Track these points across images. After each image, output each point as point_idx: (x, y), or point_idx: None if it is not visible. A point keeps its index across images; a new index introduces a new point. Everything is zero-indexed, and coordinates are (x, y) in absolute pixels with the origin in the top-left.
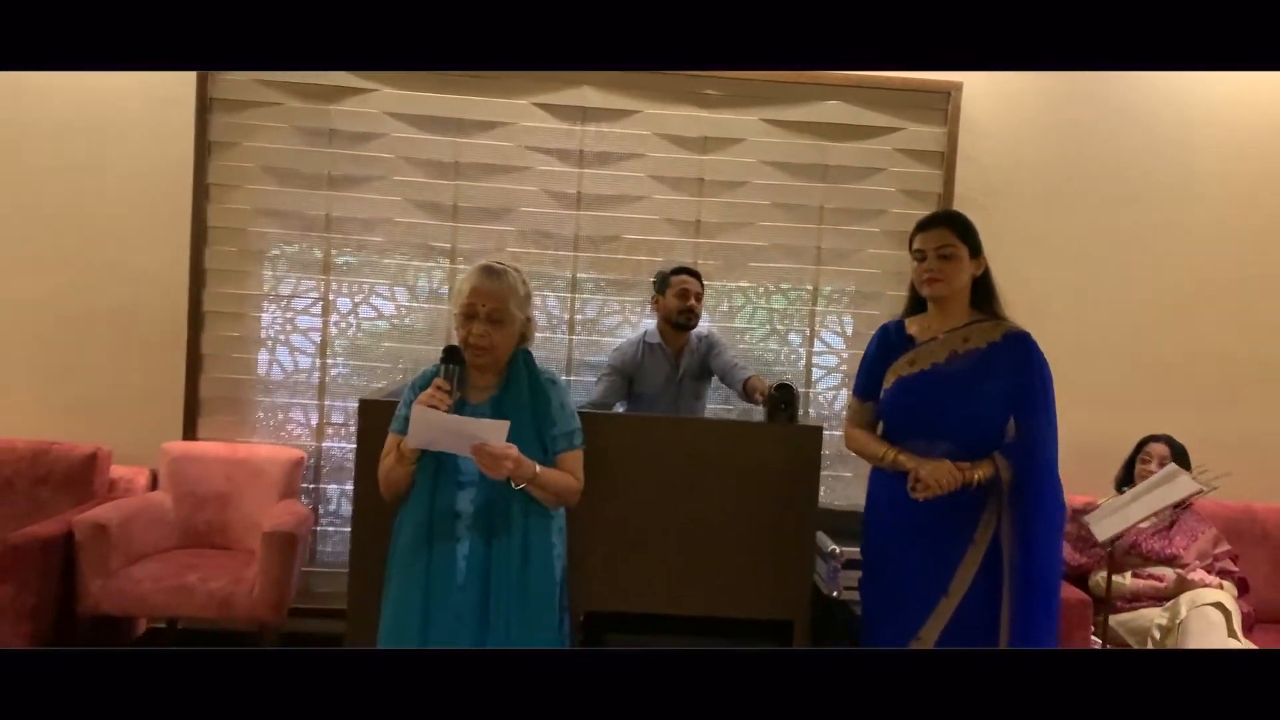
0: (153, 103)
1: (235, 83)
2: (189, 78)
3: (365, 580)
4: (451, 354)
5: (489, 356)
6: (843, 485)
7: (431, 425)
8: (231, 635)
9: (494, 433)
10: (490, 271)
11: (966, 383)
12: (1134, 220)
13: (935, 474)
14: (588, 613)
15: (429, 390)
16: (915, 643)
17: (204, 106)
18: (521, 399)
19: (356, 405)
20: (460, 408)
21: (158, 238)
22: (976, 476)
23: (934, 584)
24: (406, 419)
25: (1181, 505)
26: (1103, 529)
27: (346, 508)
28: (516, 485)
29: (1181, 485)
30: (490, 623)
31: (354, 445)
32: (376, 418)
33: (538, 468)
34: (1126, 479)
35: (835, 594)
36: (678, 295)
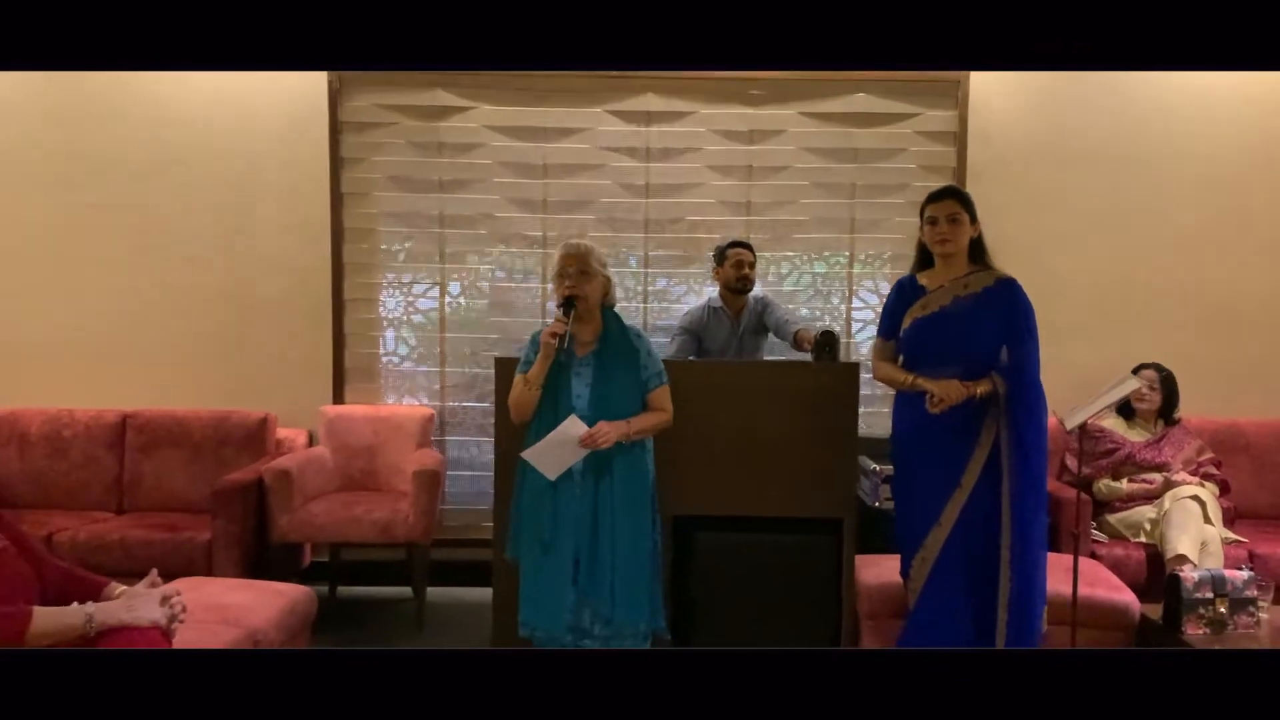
0: (295, 124)
1: (359, 107)
2: (322, 104)
3: (506, 498)
4: (568, 302)
5: (584, 304)
6: (879, 420)
7: (547, 460)
8: (389, 564)
9: (576, 428)
10: (571, 243)
11: (968, 319)
12: (1125, 178)
13: (947, 390)
14: (675, 515)
15: (552, 325)
16: (937, 528)
17: (335, 128)
18: (617, 350)
19: (479, 368)
20: (570, 358)
21: (305, 238)
22: (979, 391)
23: (950, 480)
24: (529, 362)
25: (1133, 401)
26: (1071, 420)
27: (468, 455)
28: (626, 441)
29: (1127, 385)
30: (599, 521)
31: (471, 403)
32: (505, 369)
33: (630, 423)
34: (1124, 403)
35: (877, 504)
36: (734, 265)
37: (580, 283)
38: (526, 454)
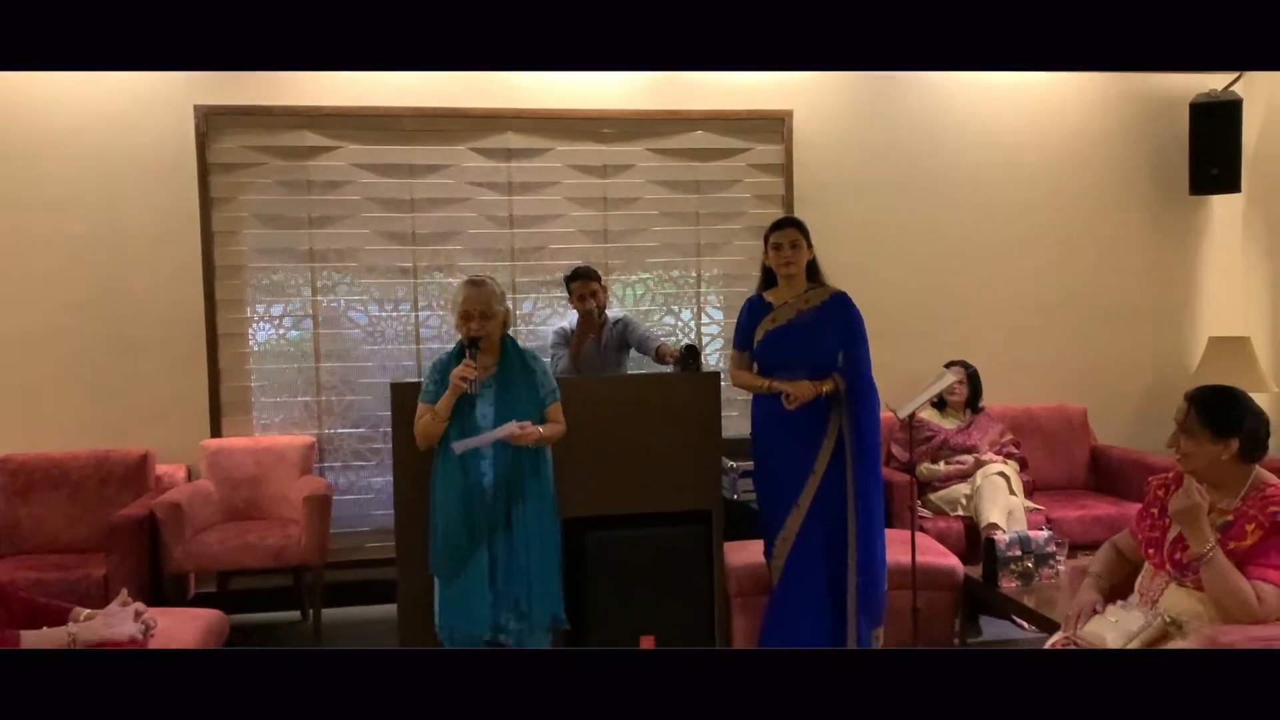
0: (164, 167)
1: (227, 149)
2: (190, 146)
3: (407, 515)
4: (472, 343)
5: (488, 341)
6: (731, 423)
7: (470, 445)
8: (276, 590)
9: (508, 430)
10: (475, 283)
11: (811, 329)
12: (934, 200)
13: (800, 390)
14: (566, 518)
15: (461, 369)
16: (796, 509)
17: (204, 170)
18: (516, 372)
19: (354, 395)
20: (473, 387)
21: (177, 277)
22: (825, 389)
23: (805, 467)
24: (433, 392)
25: (945, 394)
26: (902, 411)
27: (347, 480)
28: (531, 445)
29: (945, 379)
30: (513, 528)
31: (348, 430)
32: (402, 394)
33: (542, 430)
34: (937, 397)
35: (735, 496)
36: (577, 299)
37: (484, 324)
38: (458, 445)
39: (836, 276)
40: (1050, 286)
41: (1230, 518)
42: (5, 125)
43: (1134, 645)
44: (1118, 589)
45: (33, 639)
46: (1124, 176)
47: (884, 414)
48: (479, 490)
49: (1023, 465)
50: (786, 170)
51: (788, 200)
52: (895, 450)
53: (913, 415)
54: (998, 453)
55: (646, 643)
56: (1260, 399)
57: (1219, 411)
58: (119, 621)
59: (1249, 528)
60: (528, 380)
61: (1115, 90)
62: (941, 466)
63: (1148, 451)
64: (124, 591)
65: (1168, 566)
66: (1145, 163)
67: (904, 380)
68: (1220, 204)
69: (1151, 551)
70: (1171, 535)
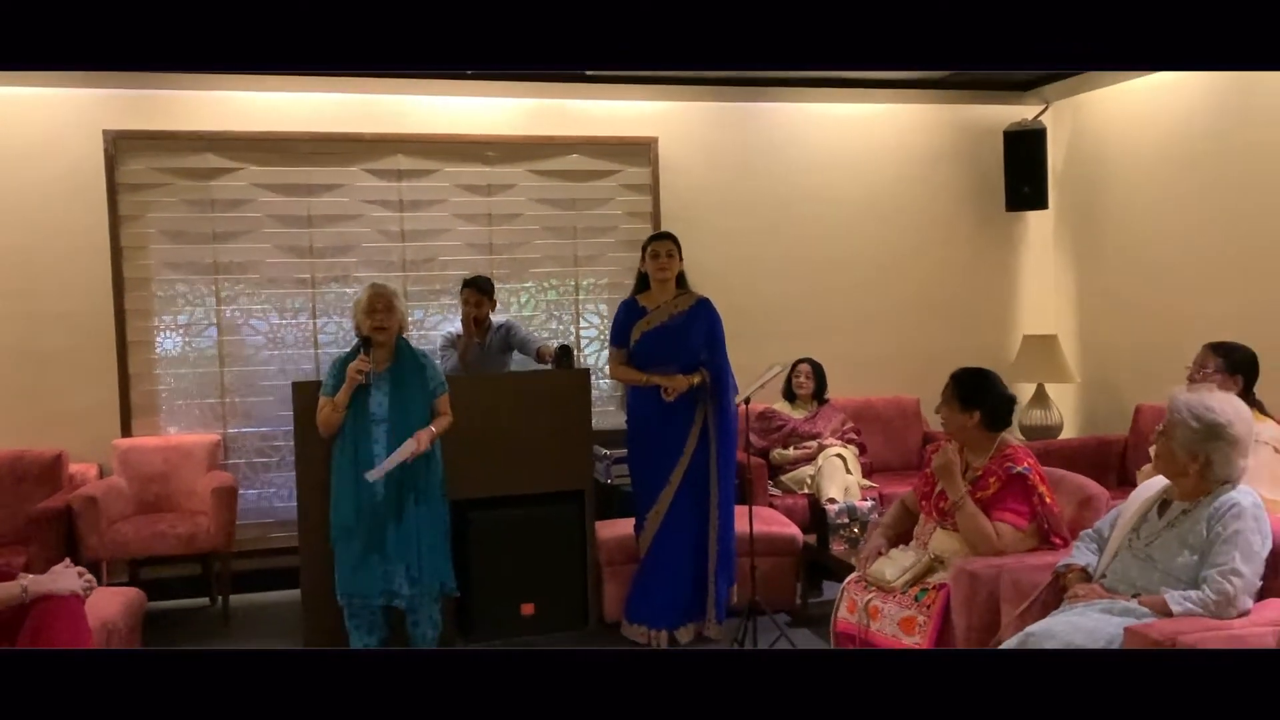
0: (74, 187)
1: (134, 170)
2: (99, 167)
3: (309, 500)
4: (365, 342)
5: (387, 334)
6: (605, 416)
7: (387, 466)
8: (186, 578)
9: (411, 445)
10: (378, 285)
11: (681, 330)
12: (780, 216)
13: (676, 383)
14: (453, 500)
15: (357, 363)
16: (668, 487)
17: (113, 189)
18: (408, 367)
19: (254, 397)
20: (369, 376)
21: (88, 289)
22: (695, 381)
23: (676, 449)
24: (333, 385)
25: (794, 387)
26: (739, 396)
27: (252, 475)
28: (428, 446)
29: (773, 371)
30: (404, 503)
31: (250, 429)
32: (303, 392)
33: (434, 428)
34: (787, 390)
35: (609, 481)
36: (465, 304)
37: (387, 318)
38: (372, 474)
39: (700, 283)
40: (887, 291)
41: (979, 474)
42: None
43: (906, 578)
44: (904, 536)
45: None
46: (950, 194)
47: (739, 405)
48: (370, 457)
49: (862, 449)
50: (654, 190)
51: (655, 217)
52: (752, 438)
53: (749, 400)
54: (840, 439)
55: (526, 609)
56: (1066, 389)
57: (966, 387)
58: (64, 578)
59: (991, 480)
60: (419, 375)
61: (942, 119)
62: (790, 451)
63: None
64: (67, 559)
65: (934, 514)
66: (968, 182)
67: (755, 370)
68: (1034, 219)
69: (924, 504)
70: (938, 490)
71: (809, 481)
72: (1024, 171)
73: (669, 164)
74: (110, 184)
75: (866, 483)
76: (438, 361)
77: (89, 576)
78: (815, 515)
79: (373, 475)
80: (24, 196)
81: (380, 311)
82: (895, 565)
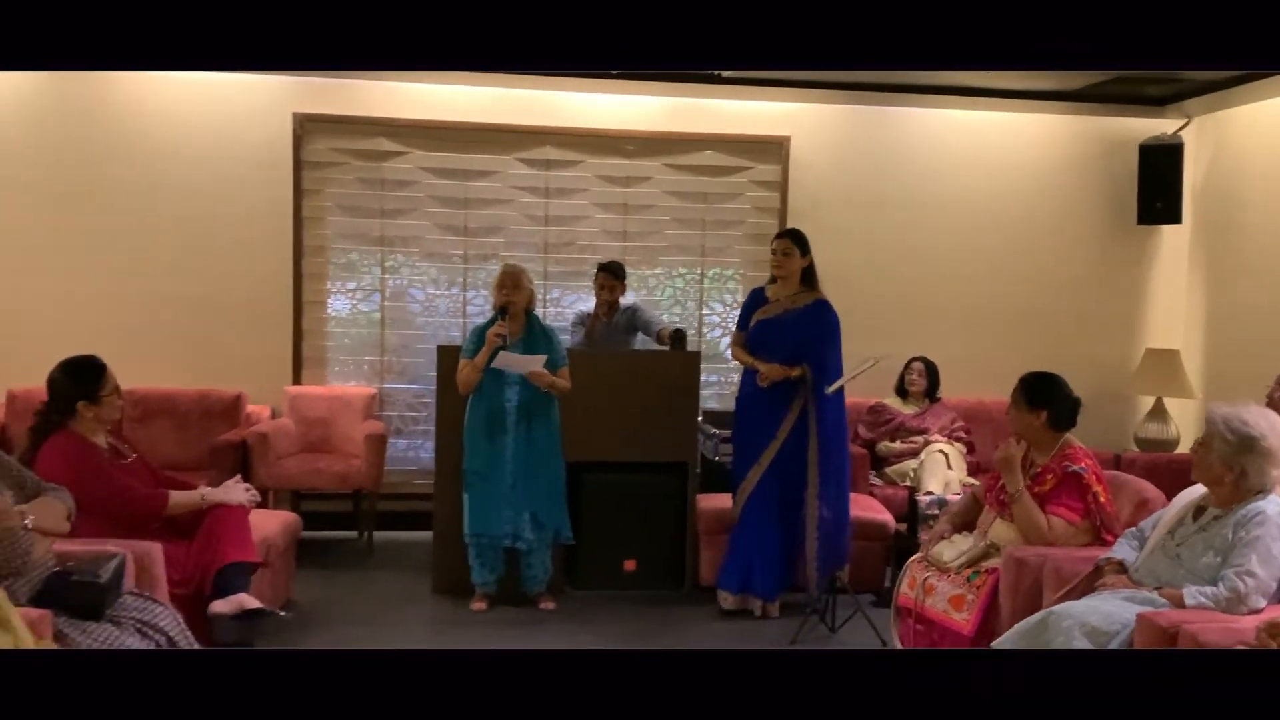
0: (265, 163)
1: (317, 149)
2: (288, 146)
3: (445, 451)
4: (502, 311)
5: (515, 306)
6: (721, 398)
7: (508, 360)
8: (338, 513)
9: (536, 363)
10: (511, 265)
11: (792, 325)
12: (905, 217)
13: (770, 371)
14: (569, 462)
15: (495, 327)
16: (756, 466)
17: (298, 165)
18: (537, 339)
19: (409, 358)
20: (504, 345)
21: (272, 253)
22: (794, 374)
23: (768, 433)
24: (473, 349)
25: (906, 384)
26: (832, 385)
27: (402, 426)
28: (544, 388)
29: (864, 365)
30: (531, 454)
31: (403, 385)
32: (446, 356)
33: (553, 378)
34: (900, 387)
35: (716, 458)
36: (598, 289)
37: (514, 293)
38: (501, 358)
39: (822, 279)
40: (1009, 296)
41: (1038, 470)
42: (137, 125)
43: (962, 560)
44: (970, 524)
45: (176, 498)
46: (1080, 205)
47: (851, 400)
48: (503, 413)
49: (970, 448)
50: (782, 187)
51: (782, 213)
52: (861, 429)
53: (839, 388)
54: (948, 436)
55: (629, 565)
56: (1185, 405)
57: (1033, 389)
58: (234, 491)
59: (1049, 477)
60: (546, 345)
61: (1076, 131)
62: (896, 445)
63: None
64: (238, 475)
65: (995, 505)
66: (1099, 194)
67: (876, 370)
68: (1167, 233)
69: (988, 495)
70: (1000, 483)
71: (910, 475)
72: (1159, 186)
73: (799, 162)
74: (296, 161)
75: (970, 480)
76: (566, 337)
77: (254, 492)
78: (912, 506)
79: (501, 359)
80: (222, 169)
81: (508, 287)
82: (954, 549)
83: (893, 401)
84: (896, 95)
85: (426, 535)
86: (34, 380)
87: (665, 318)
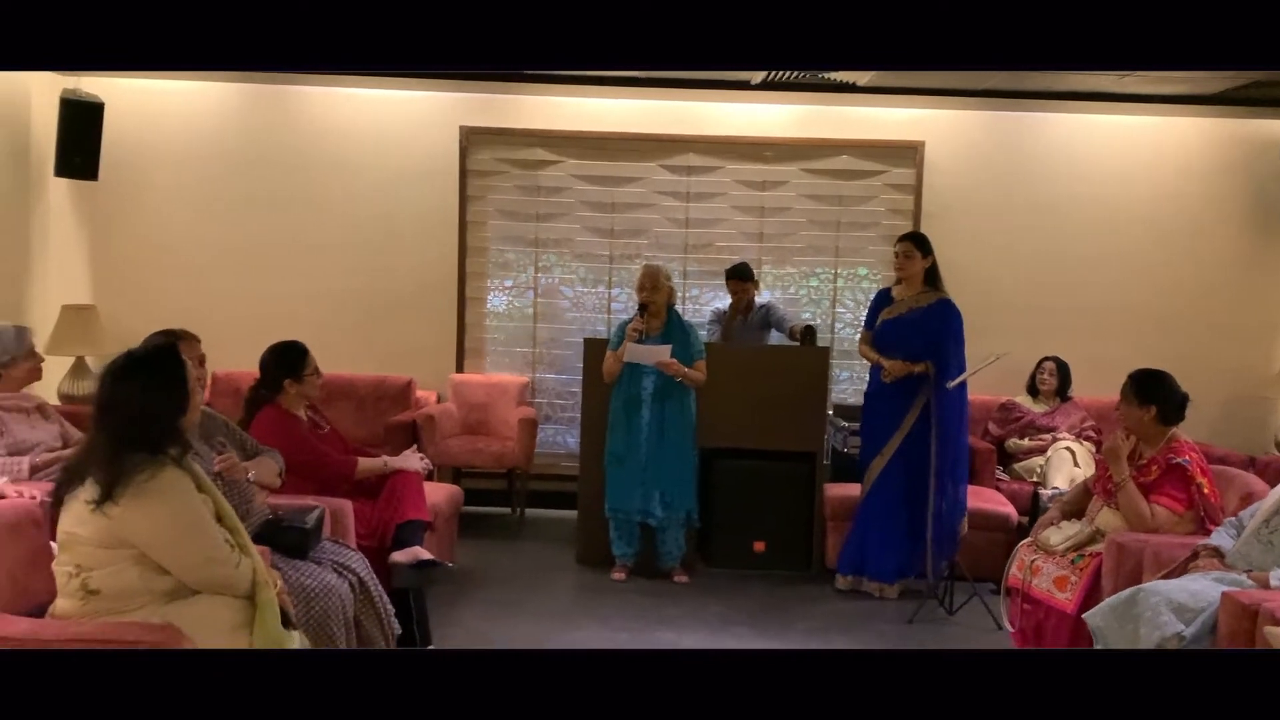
0: (434, 172)
1: (481, 159)
2: (455, 156)
3: (589, 435)
4: (642, 308)
5: (655, 306)
6: (851, 393)
7: (637, 352)
8: (494, 491)
9: (664, 353)
10: (651, 266)
11: (915, 324)
12: (1040, 219)
13: (893, 367)
14: (702, 448)
15: (633, 323)
16: (880, 457)
17: (463, 174)
18: (675, 334)
19: (558, 350)
20: (644, 338)
21: (439, 254)
22: (916, 369)
23: (892, 425)
24: (616, 342)
25: (1038, 383)
26: (954, 381)
27: (551, 413)
28: (676, 378)
29: (985, 362)
30: (664, 437)
31: (553, 375)
32: (592, 348)
33: (685, 368)
34: (1031, 385)
35: (845, 450)
36: (731, 292)
37: (653, 293)
38: (630, 350)
39: (955, 279)
40: (1146, 298)
41: (1144, 461)
42: (325, 141)
43: (1068, 544)
44: (1080, 512)
45: (363, 464)
46: (1219, 208)
47: (979, 398)
48: (639, 401)
49: (1098, 448)
50: (916, 190)
51: (916, 215)
52: (990, 426)
53: (959, 382)
54: (1078, 435)
55: (758, 547)
56: None
57: (1143, 386)
58: (411, 459)
59: (1154, 468)
60: (682, 339)
61: (1214, 134)
62: (1025, 442)
63: (1210, 444)
64: (414, 446)
65: (1102, 494)
66: (1239, 197)
67: (1006, 367)
68: None
69: (1097, 485)
70: (1108, 472)
71: (1038, 471)
72: None
73: (934, 166)
74: (462, 170)
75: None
76: (704, 332)
77: (427, 461)
78: (1034, 500)
79: (634, 350)
80: (397, 179)
81: (646, 288)
82: (1061, 534)
83: (1023, 400)
84: (1030, 101)
85: (572, 513)
86: (236, 365)
87: (799, 315)
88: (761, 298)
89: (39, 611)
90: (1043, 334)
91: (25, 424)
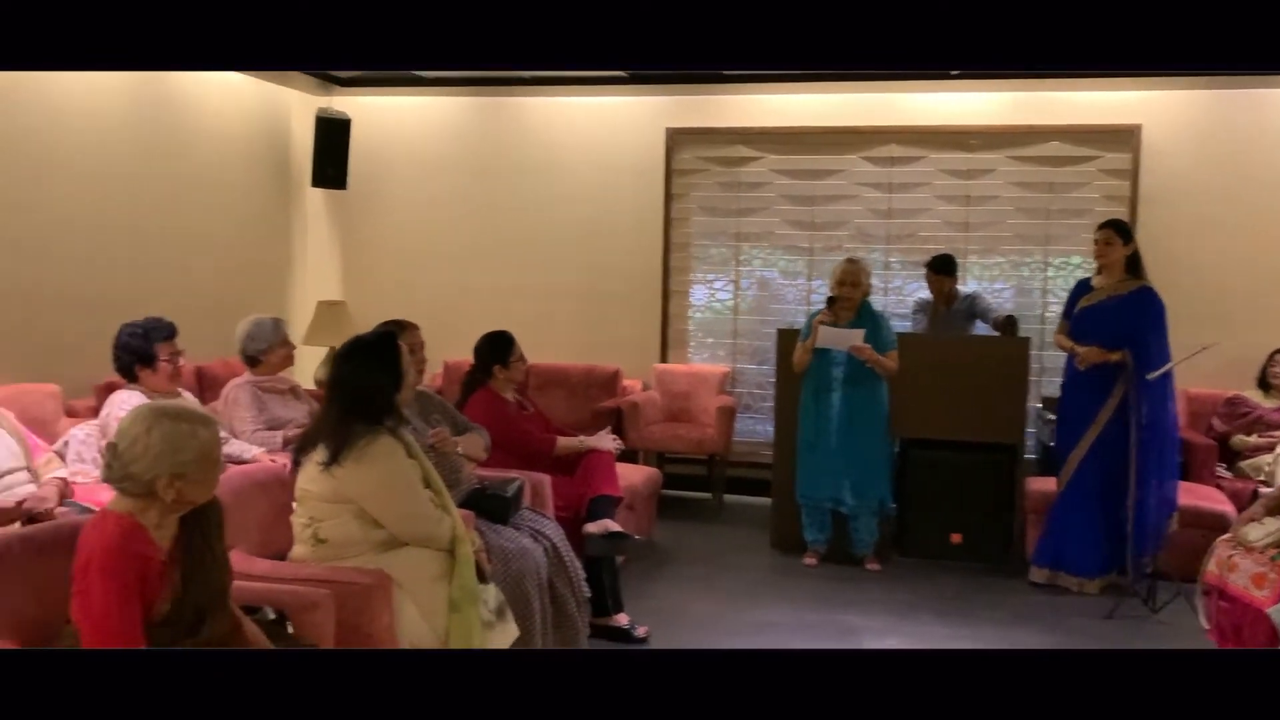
0: (641, 172)
1: (685, 158)
2: (660, 156)
3: (783, 423)
4: (831, 300)
5: (850, 303)
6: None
7: (829, 336)
8: (694, 476)
9: (857, 337)
10: (851, 261)
11: (1113, 312)
12: (1265, 204)
13: (1088, 353)
14: (900, 439)
15: (820, 315)
16: (1076, 450)
17: (668, 173)
18: (866, 323)
19: (757, 341)
20: (835, 326)
21: (644, 250)
22: (1113, 357)
23: (1089, 417)
24: (807, 333)
25: (1269, 376)
26: (1154, 374)
27: (750, 402)
28: (867, 364)
29: (1191, 353)
30: (853, 424)
31: (752, 365)
32: (785, 338)
33: (877, 355)
34: (1261, 379)
35: (1051, 443)
36: (928, 283)
37: (852, 290)
38: (822, 334)
39: (1175, 267)
40: None
41: None
42: (540, 145)
43: (1267, 540)
44: None
45: (562, 442)
46: None
47: (1204, 391)
48: (829, 389)
49: None
50: (1133, 175)
51: (1133, 200)
52: (1215, 422)
53: (1162, 372)
54: None
55: (955, 538)
56: None
57: None
58: (604, 440)
59: None
60: (874, 330)
61: None
62: (1252, 438)
63: None
64: (609, 428)
65: None
66: None
67: (1229, 356)
68: None
69: None
70: None
71: (1265, 469)
72: None
73: (1152, 149)
74: (667, 169)
75: None
76: (906, 324)
77: (619, 441)
78: (1253, 499)
79: (825, 333)
80: (606, 179)
81: (846, 284)
82: (1261, 529)
83: (1253, 394)
84: (1256, 78)
85: (769, 500)
86: (464, 354)
87: (1006, 307)
88: (966, 287)
89: (279, 556)
90: (1274, 324)
91: (280, 403)
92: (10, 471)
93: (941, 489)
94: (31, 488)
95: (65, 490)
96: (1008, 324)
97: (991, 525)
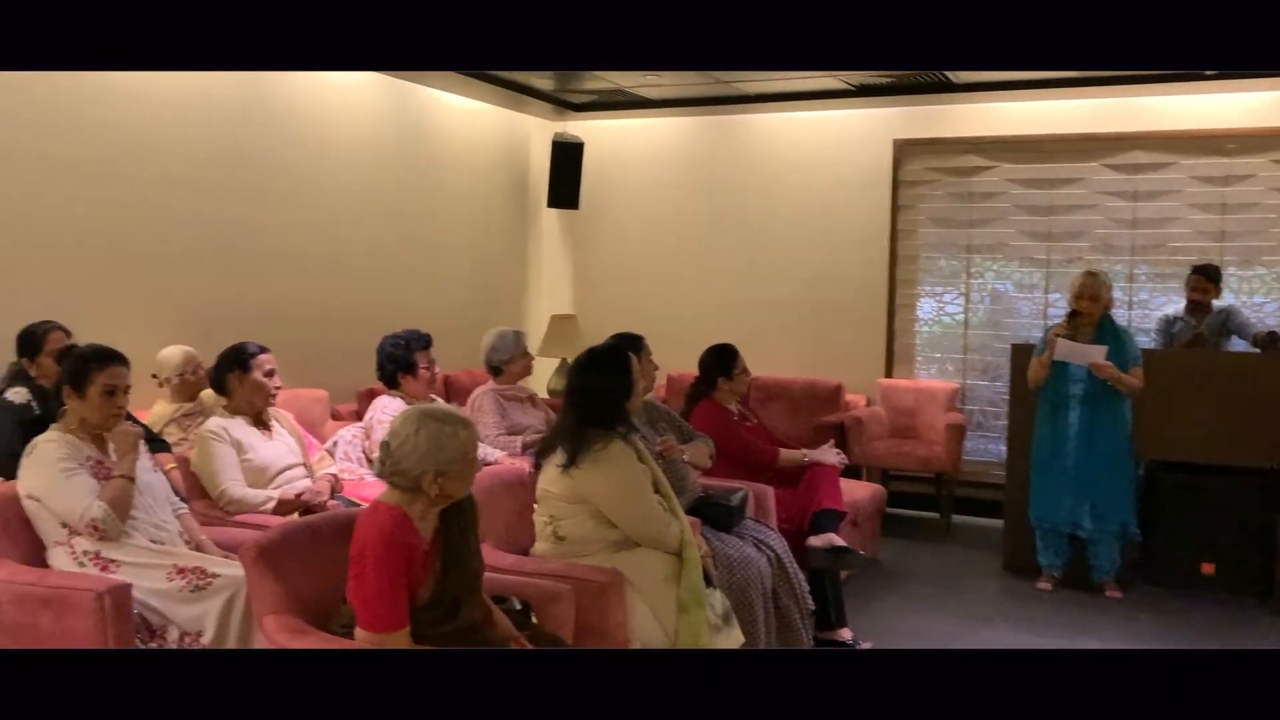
0: (867, 184)
1: (912, 169)
2: (888, 168)
3: (1016, 442)
4: (1072, 314)
5: (1090, 318)
6: None
7: (1067, 349)
8: (919, 495)
9: (1099, 354)
10: (1091, 274)
11: None
12: None
13: None
14: (1149, 461)
15: (1055, 328)
16: None
17: (895, 185)
18: (1108, 338)
19: (990, 356)
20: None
21: (870, 262)
22: None
23: None
24: (1043, 348)
25: None
26: None
27: (981, 420)
28: (1109, 381)
29: None
30: (1094, 442)
31: (984, 382)
32: (1020, 353)
33: (1120, 372)
34: None
35: None
36: (1190, 289)
37: (1092, 305)
38: (1060, 347)
39: None
40: None
41: None
42: (758, 160)
43: None
44: None
45: (784, 455)
46: None
47: None
48: (1065, 406)
49: None
50: None
51: None
52: None
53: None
54: None
55: (1207, 568)
56: None
57: None
58: (828, 454)
59: None
60: (1117, 347)
61: None
62: None
63: None
64: (833, 440)
65: None
66: None
67: None
68: None
69: None
70: None
71: None
72: None
73: None
74: (894, 181)
75: None
76: (1149, 339)
77: (843, 455)
78: None
79: (1060, 352)
80: (829, 190)
81: (1085, 298)
82: None
83: None
84: None
85: (998, 521)
86: (686, 367)
87: (1269, 321)
88: (1222, 301)
89: (522, 552)
90: None
91: (520, 410)
92: (291, 467)
93: (1194, 515)
94: (307, 482)
95: (336, 485)
96: (1270, 340)
97: (1251, 556)
